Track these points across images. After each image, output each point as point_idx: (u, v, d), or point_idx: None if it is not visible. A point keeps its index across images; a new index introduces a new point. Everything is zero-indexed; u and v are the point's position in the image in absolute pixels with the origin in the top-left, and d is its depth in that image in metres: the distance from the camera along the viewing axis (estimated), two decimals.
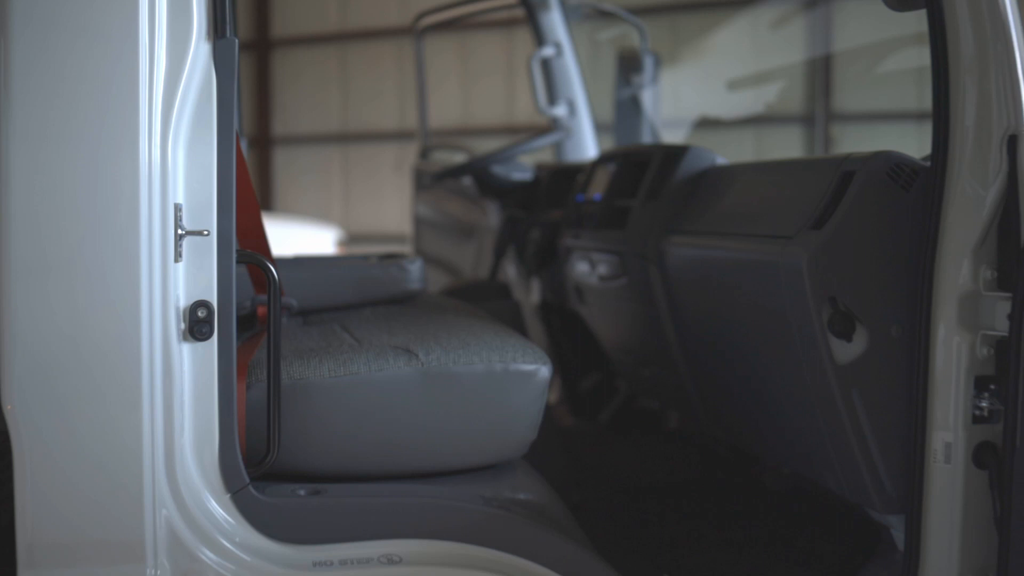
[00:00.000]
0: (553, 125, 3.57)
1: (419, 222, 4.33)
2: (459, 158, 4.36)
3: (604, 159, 2.65)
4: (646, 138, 3.70)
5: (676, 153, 2.25)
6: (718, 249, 1.96)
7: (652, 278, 2.21)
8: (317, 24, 11.90)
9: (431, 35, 4.23)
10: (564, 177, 3.05)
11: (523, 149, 3.09)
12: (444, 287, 2.96)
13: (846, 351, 1.65)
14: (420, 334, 1.71)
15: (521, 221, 2.94)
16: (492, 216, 3.29)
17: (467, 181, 3.30)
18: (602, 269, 2.45)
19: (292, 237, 6.51)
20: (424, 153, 4.39)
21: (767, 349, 1.88)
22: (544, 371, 1.63)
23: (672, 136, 4.40)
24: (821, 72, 8.79)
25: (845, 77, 8.58)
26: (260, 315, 1.84)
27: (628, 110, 3.76)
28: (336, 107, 12.22)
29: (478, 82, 11.19)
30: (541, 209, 3.05)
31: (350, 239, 10.32)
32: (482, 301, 2.61)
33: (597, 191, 2.58)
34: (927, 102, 1.58)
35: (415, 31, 4.28)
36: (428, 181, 3.35)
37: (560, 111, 3.49)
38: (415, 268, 2.06)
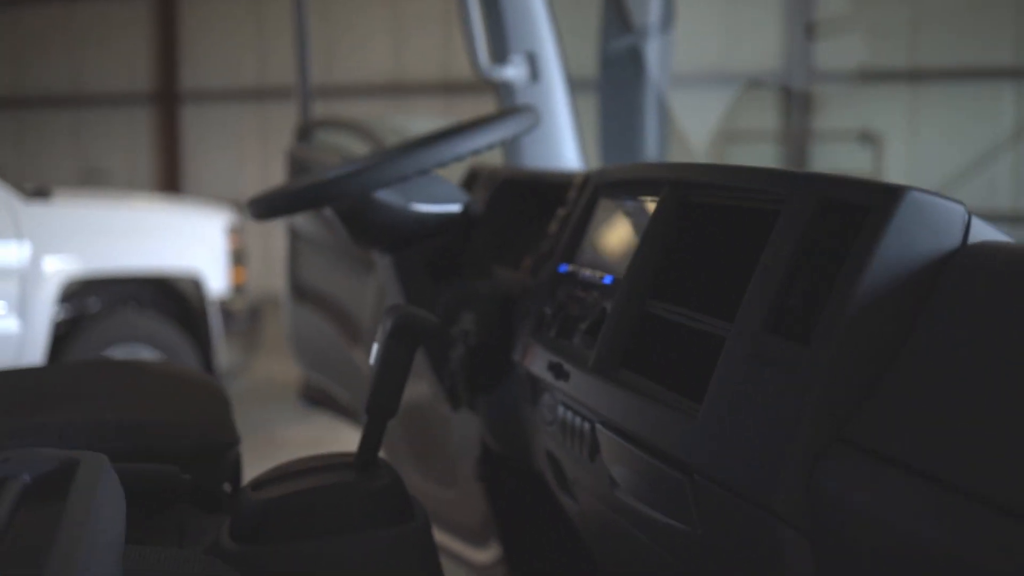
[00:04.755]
0: (500, 95, 2.04)
1: (295, 239, 2.84)
2: (357, 147, 2.85)
3: (615, 180, 1.19)
4: (652, 135, 2.21)
5: (866, 205, 0.79)
6: None
7: (788, 554, 0.78)
8: None
9: None
10: (526, 197, 1.57)
11: (449, 156, 1.35)
12: (264, 477, 1.21)
13: None
14: None
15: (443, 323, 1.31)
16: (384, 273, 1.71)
17: (330, 214, 1.54)
18: (622, 471, 1.00)
19: (158, 231, 4.81)
20: (303, 133, 2.85)
21: None
22: None
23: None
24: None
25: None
26: None
27: (624, 76, 2.29)
28: (252, 60, 11.13)
29: (411, 34, 10.02)
30: (478, 263, 1.56)
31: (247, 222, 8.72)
32: (336, 531, 1.08)
33: (607, 258, 1.13)
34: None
35: None
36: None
37: (514, 72, 1.97)
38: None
